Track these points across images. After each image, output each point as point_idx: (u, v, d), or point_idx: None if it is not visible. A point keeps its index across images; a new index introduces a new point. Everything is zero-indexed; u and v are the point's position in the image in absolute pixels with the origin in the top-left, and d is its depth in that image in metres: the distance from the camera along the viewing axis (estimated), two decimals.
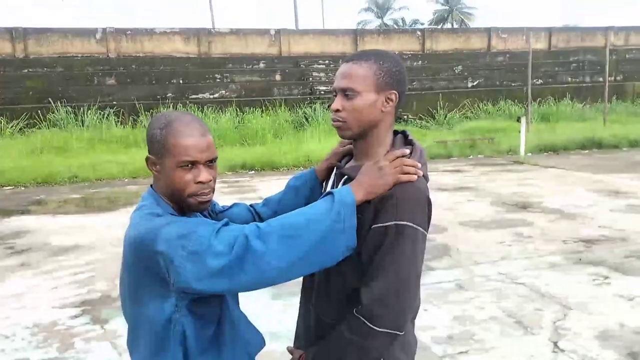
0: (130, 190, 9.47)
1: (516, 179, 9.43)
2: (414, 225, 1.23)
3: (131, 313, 1.29)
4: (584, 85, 20.89)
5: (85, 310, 4.04)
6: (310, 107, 16.45)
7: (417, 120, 17.61)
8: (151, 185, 1.37)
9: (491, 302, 3.93)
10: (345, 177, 1.38)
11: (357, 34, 22.25)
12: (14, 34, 18.19)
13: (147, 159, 1.31)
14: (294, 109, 16.52)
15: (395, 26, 49.46)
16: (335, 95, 1.34)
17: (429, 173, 1.38)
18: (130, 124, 15.22)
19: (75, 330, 3.67)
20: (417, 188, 1.26)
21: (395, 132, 1.43)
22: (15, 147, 12.66)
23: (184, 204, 1.29)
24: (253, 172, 11.42)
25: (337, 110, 1.32)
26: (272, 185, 9.44)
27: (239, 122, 15.46)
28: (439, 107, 17.95)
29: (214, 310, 1.28)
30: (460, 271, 4.61)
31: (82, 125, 14.68)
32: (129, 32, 19.31)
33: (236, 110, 16.03)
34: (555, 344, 3.26)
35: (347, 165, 1.44)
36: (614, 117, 17.57)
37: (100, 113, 15.14)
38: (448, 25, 48.24)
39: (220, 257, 1.11)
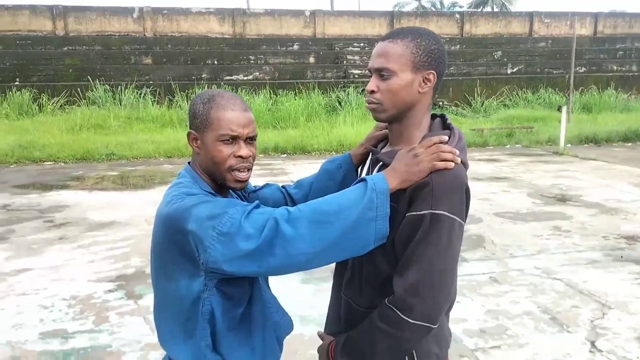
0: (165, 169, 9.62)
1: (555, 170, 9.15)
2: (451, 215, 1.17)
3: (161, 287, 1.30)
4: (630, 74, 20.02)
5: (120, 285, 4.13)
6: (344, 90, 16.31)
7: (453, 107, 17.27)
8: (189, 163, 1.37)
9: (526, 296, 3.83)
10: (381, 163, 1.33)
11: (393, 16, 21.86)
12: (55, 12, 18.59)
13: (188, 134, 1.31)
14: (327, 93, 16.41)
15: (433, 8, 48.35)
16: (371, 76, 1.29)
17: None
18: (166, 103, 15.42)
19: (110, 304, 3.76)
20: (455, 175, 1.20)
21: (434, 116, 1.37)
22: (56, 124, 13.01)
23: (221, 180, 1.29)
24: (285, 155, 11.44)
25: (372, 92, 1.26)
26: (303, 169, 9.44)
27: (272, 104, 15.48)
28: (476, 94, 17.54)
29: (244, 291, 1.28)
30: (495, 263, 4.51)
31: (120, 104, 14.96)
32: (165, 11, 19.47)
33: (269, 92, 16.03)
34: (592, 343, 3.16)
35: (383, 151, 1.39)
36: None
37: (137, 92, 15.38)
38: (488, 9, 46.85)
39: (250, 240, 1.10)
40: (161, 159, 10.87)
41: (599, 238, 5.23)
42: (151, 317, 3.51)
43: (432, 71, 1.25)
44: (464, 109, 17.17)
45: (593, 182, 8.04)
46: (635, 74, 20.08)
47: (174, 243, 1.19)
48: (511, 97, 17.97)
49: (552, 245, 5.03)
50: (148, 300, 3.81)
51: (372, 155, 1.43)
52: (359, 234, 1.13)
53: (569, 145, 11.94)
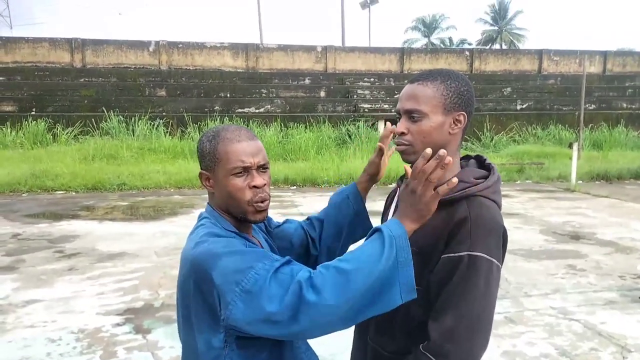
0: (175, 200, 9.65)
1: (566, 207, 9.07)
2: (489, 257, 1.15)
3: (184, 338, 1.26)
4: None
5: (129, 318, 4.08)
6: (354, 124, 16.44)
7: (463, 142, 17.29)
8: (208, 203, 1.34)
9: (543, 338, 3.73)
10: None
11: (403, 53, 22.19)
12: (73, 44, 19.09)
13: (200, 175, 1.29)
14: (337, 126, 16.55)
15: (442, 46, 49.11)
16: (399, 118, 1.29)
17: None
18: (178, 135, 15.60)
19: (118, 339, 3.71)
20: (492, 216, 1.19)
21: (469, 156, 1.36)
22: (69, 154, 13.18)
23: (242, 214, 1.25)
24: (295, 187, 11.45)
25: (402, 133, 1.26)
26: (313, 201, 9.43)
27: (282, 137, 15.61)
28: (485, 129, 17.59)
29: (265, 341, 1.21)
30: (510, 302, 4.42)
31: (133, 135, 15.16)
32: (181, 45, 19.92)
33: (280, 125, 16.20)
34: None
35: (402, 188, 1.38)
36: None
37: (150, 123, 15.60)
38: (497, 46, 47.50)
39: (272, 303, 1.06)
40: (172, 190, 10.92)
41: (615, 278, 5.12)
42: (160, 353, 3.46)
43: (463, 112, 1.25)
44: (474, 144, 17.20)
45: (606, 220, 7.94)
46: None
47: (198, 290, 1.15)
48: (521, 133, 17.99)
49: (567, 284, 4.93)
50: (156, 335, 3.76)
51: (398, 192, 1.41)
52: (385, 287, 1.08)
53: (580, 181, 11.86)
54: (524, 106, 19.67)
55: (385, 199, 1.53)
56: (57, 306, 4.33)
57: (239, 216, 1.26)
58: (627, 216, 8.21)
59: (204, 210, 1.35)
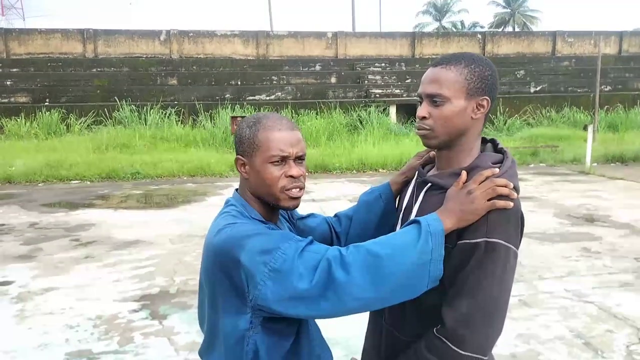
0: (188, 188, 9.72)
1: (581, 190, 8.97)
2: (507, 243, 1.14)
3: (209, 319, 1.27)
4: None
5: (145, 305, 4.14)
6: (365, 110, 16.35)
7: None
8: (236, 190, 1.35)
9: (557, 320, 3.71)
10: (429, 184, 1.30)
11: (414, 37, 21.96)
12: (85, 35, 19.17)
13: (236, 161, 1.29)
14: (348, 112, 16.48)
15: (454, 29, 48.46)
16: (421, 102, 1.27)
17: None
18: (190, 123, 15.66)
19: (135, 325, 3.77)
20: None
21: (484, 140, 1.34)
22: (83, 143, 13.30)
23: (275, 201, 1.26)
24: (306, 174, 11.44)
25: (424, 118, 1.24)
26: (325, 188, 9.44)
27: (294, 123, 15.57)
28: (498, 113, 17.39)
29: (291, 325, 1.23)
30: (524, 286, 4.40)
31: (145, 124, 15.24)
32: (191, 34, 19.91)
33: (291, 112, 16.17)
34: None
35: (430, 173, 1.36)
36: None
37: (162, 112, 15.66)
38: (509, 29, 46.76)
39: (302, 281, 1.07)
40: (185, 178, 10.99)
41: (631, 260, 5.07)
42: (176, 338, 3.52)
43: (486, 97, 1.24)
44: (487, 128, 17.01)
45: (621, 202, 7.84)
46: None
47: (225, 274, 1.16)
48: (535, 116, 17.77)
49: (582, 267, 4.90)
50: (172, 320, 3.81)
51: (418, 178, 1.39)
52: (413, 278, 1.09)
53: (595, 164, 11.71)
54: (537, 89, 19.39)
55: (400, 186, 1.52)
56: (74, 293, 4.41)
57: (271, 203, 1.26)
58: None
59: (216, 197, 1.35)
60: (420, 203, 1.30)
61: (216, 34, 20.07)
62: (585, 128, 11.73)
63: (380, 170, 11.79)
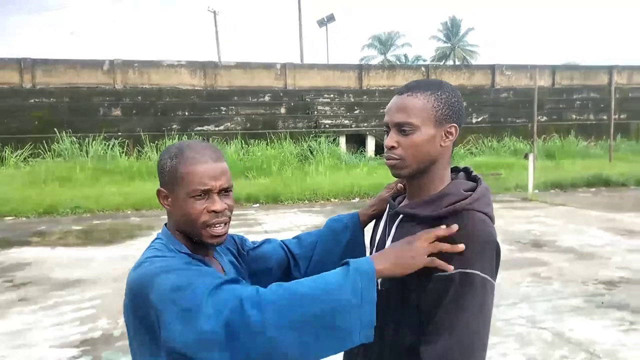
0: (133, 222, 9.32)
1: (526, 216, 9.27)
2: (482, 274, 1.09)
3: None
4: (589, 122, 20.95)
5: (85, 350, 3.84)
6: (315, 140, 16.44)
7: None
8: (165, 224, 1.26)
9: (515, 348, 3.72)
10: (401, 216, 1.24)
11: (362, 69, 22.48)
12: (23, 65, 18.40)
13: (158, 192, 1.22)
14: (299, 142, 16.51)
15: (398, 62, 50.16)
16: (387, 131, 1.22)
17: None
18: (135, 155, 15.19)
19: None
20: (485, 230, 1.13)
21: (457, 169, 1.31)
22: (19, 177, 12.59)
23: (197, 237, 1.18)
24: (257, 205, 11.28)
25: (392, 147, 1.19)
26: (277, 218, 9.30)
27: (243, 154, 15.44)
28: None
29: None
30: None
31: (87, 156, 14.65)
32: (136, 64, 19.52)
33: (241, 142, 16.04)
34: None
35: (402, 205, 1.30)
36: (620, 155, 17.54)
37: (105, 144, 15.13)
38: (450, 62, 48.90)
39: (209, 321, 0.96)
40: (129, 212, 10.55)
41: (579, 284, 5.22)
42: None
43: (454, 124, 1.20)
44: None
45: (564, 227, 8.15)
46: (593, 122, 21.02)
47: (136, 313, 1.06)
48: (477, 145, 18.46)
49: (533, 293, 4.98)
50: None
51: (389, 210, 1.33)
52: (341, 321, 0.99)
53: (536, 191, 12.19)
54: (479, 119, 20.21)
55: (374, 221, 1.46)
56: (6, 340, 4.04)
57: (194, 238, 1.19)
58: (584, 223, 8.45)
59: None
60: (394, 236, 1.24)
61: (162, 64, 19.77)
62: (526, 157, 12.24)
63: (332, 199, 11.78)
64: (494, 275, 1.13)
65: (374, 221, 1.47)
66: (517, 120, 20.14)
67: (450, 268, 1.08)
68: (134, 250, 7.01)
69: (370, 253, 1.35)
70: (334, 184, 12.30)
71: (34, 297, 5.12)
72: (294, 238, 1.51)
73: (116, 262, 6.34)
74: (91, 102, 17.80)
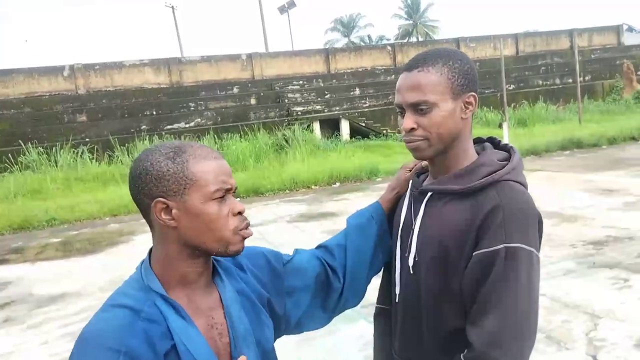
0: (112, 229, 9.08)
1: None
2: (528, 247, 1.03)
3: None
4: (555, 87, 21.30)
5: None
6: (289, 128, 16.29)
7: (398, 134, 17.61)
8: (150, 252, 1.05)
9: None
10: (429, 194, 1.16)
11: (328, 53, 22.33)
12: None
13: (153, 206, 0.97)
14: (272, 132, 16.34)
15: (363, 43, 50.04)
16: (401, 112, 1.13)
17: None
18: (106, 160, 14.81)
19: None
20: (526, 201, 1.07)
21: (480, 140, 1.23)
22: None
23: (223, 249, 1.00)
24: (238, 199, 11.12)
25: (412, 129, 1.11)
26: (260, 211, 9.18)
27: (218, 149, 15.19)
28: None
29: None
30: None
31: (56, 166, 14.20)
32: (98, 66, 18.96)
33: (214, 137, 15.78)
34: (594, 358, 3.08)
35: (426, 183, 1.22)
36: (588, 116, 17.90)
37: (73, 151, 14.68)
38: (413, 39, 49.02)
39: None
40: (107, 219, 10.28)
41: (568, 247, 5.28)
42: None
43: (472, 93, 1.13)
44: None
45: (546, 192, 8.24)
46: (560, 86, 21.38)
47: None
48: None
49: None
50: None
51: (413, 190, 1.24)
52: None
53: None
54: None
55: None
56: None
57: (215, 251, 1.00)
58: (564, 186, 8.59)
59: (145, 235, 1.08)
60: (423, 216, 1.16)
61: (124, 65, 19.25)
62: (500, 126, 12.38)
63: (312, 187, 11.70)
64: (538, 247, 1.08)
65: None
66: (486, 91, 20.33)
67: None
68: (116, 257, 6.82)
69: (394, 235, 1.27)
70: (312, 170, 12.21)
71: (19, 316, 4.93)
72: (318, 247, 1.37)
73: (99, 272, 6.15)
74: (54, 110, 17.25)
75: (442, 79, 1.09)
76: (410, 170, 1.34)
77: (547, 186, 8.75)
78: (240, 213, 1.02)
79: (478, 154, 1.19)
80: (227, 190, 1.00)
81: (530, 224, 1.06)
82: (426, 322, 1.13)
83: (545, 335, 3.41)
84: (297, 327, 1.26)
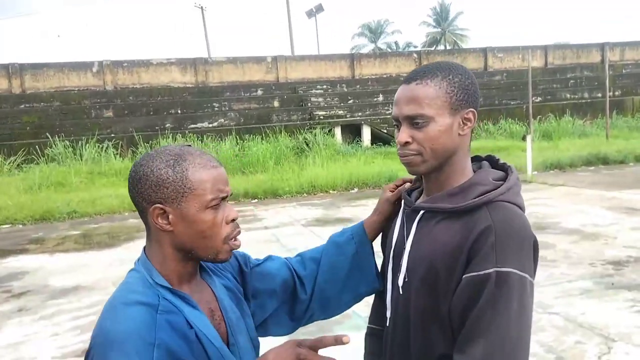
0: (131, 224, 9.20)
1: (527, 198, 9.05)
2: (520, 273, 0.98)
3: None
4: (583, 101, 20.86)
5: None
6: (311, 132, 16.31)
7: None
8: (144, 251, 1.08)
9: None
10: (422, 212, 1.13)
11: (353, 59, 22.31)
12: (11, 70, 18.16)
13: (152, 211, 1.01)
14: (294, 135, 16.38)
15: (389, 49, 49.91)
16: (397, 125, 1.11)
17: None
18: (129, 156, 15.04)
19: None
20: (521, 223, 1.03)
21: (479, 158, 1.20)
22: (13, 184, 12.42)
23: (212, 256, 1.04)
24: (256, 200, 11.17)
25: (407, 143, 1.08)
26: (276, 213, 9.20)
27: (239, 150, 15.30)
28: None
29: None
30: None
31: (81, 159, 14.49)
32: (126, 64, 19.31)
33: (236, 138, 15.90)
34: None
35: (420, 201, 1.19)
36: (616, 132, 17.48)
37: (98, 146, 14.96)
38: (441, 47, 48.68)
39: None
40: (126, 214, 10.42)
41: (586, 266, 5.14)
42: None
43: (472, 109, 1.10)
44: None
45: (567, 208, 8.07)
46: (588, 100, 20.94)
47: None
48: (473, 129, 18.30)
49: (541, 277, 4.89)
50: None
51: (406, 208, 1.21)
52: None
53: (535, 172, 12.11)
54: None
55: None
56: (6, 354, 3.94)
57: (205, 257, 1.05)
58: (586, 203, 8.38)
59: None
60: (415, 234, 1.13)
61: (152, 63, 19.56)
62: (524, 138, 12.16)
63: (330, 191, 11.68)
64: (533, 273, 1.03)
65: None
66: (512, 103, 20.04)
67: None
68: (132, 253, 6.89)
69: (386, 255, 1.24)
70: (331, 175, 12.18)
71: (33, 306, 5.02)
72: (296, 256, 1.38)
73: (115, 266, 6.23)
74: (82, 105, 17.63)
75: (441, 93, 1.06)
76: (393, 191, 1.30)
77: (568, 202, 8.56)
78: (233, 220, 1.06)
79: (475, 172, 1.15)
80: (223, 198, 1.04)
81: (525, 247, 1.01)
82: (414, 347, 1.09)
83: (556, 356, 3.32)
84: (261, 328, 1.28)
